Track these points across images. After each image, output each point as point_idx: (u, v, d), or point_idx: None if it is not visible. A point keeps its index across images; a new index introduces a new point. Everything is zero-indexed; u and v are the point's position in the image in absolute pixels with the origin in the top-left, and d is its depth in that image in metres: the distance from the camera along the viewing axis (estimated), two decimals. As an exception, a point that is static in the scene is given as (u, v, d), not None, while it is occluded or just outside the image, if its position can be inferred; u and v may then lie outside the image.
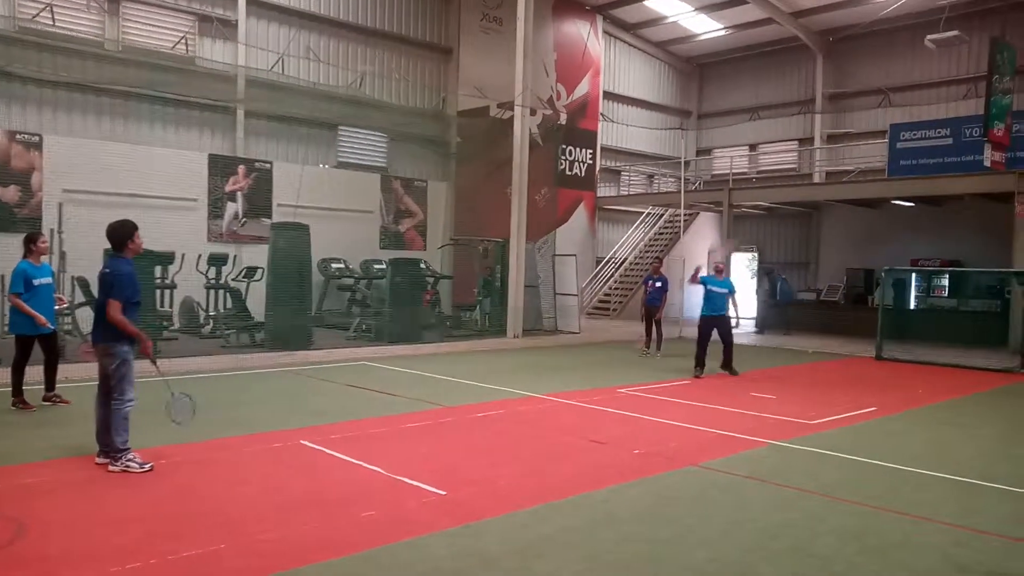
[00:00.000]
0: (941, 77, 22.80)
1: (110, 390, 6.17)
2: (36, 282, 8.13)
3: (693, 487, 6.04)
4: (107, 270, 6.18)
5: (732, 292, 12.31)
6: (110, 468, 6.00)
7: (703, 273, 12.68)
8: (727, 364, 12.32)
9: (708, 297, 12.14)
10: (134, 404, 6.20)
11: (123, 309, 6.05)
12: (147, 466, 6.01)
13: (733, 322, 12.40)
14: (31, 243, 8.29)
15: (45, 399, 8.43)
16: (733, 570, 4.42)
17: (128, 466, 5.97)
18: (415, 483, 5.85)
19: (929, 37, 17.81)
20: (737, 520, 5.25)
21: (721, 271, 12.54)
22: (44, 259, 8.52)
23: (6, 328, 12.43)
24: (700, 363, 12.13)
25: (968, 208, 19.46)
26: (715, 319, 12.16)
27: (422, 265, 17.49)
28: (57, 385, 8.58)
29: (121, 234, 6.24)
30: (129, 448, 6.06)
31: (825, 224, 24.11)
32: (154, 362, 6.52)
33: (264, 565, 4.26)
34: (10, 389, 8.23)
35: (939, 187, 18.28)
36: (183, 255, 14.27)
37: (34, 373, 8.47)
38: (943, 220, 20.44)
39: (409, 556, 4.45)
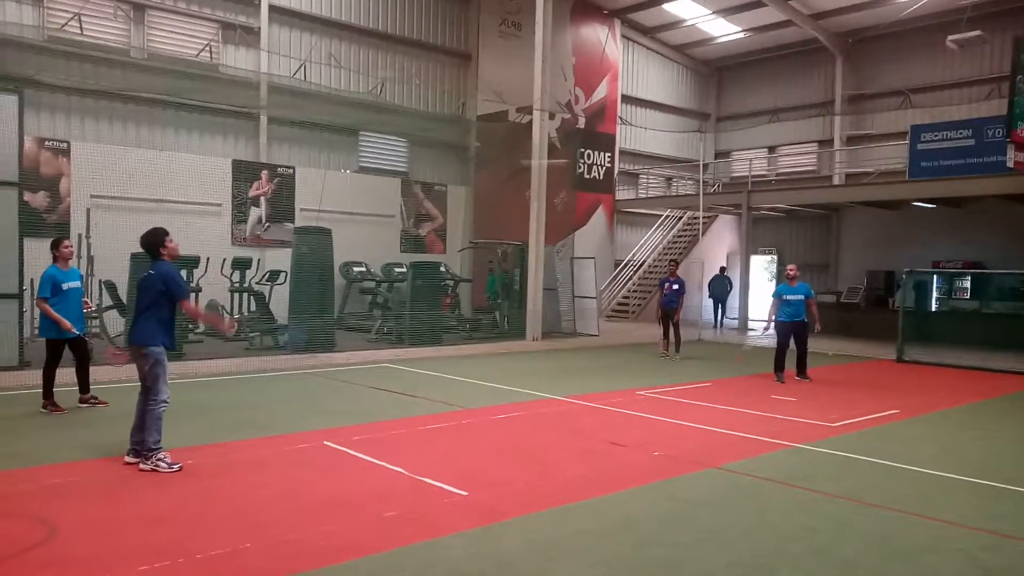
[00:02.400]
0: (963, 78, 22.57)
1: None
2: (65, 286, 8.30)
3: (713, 490, 6.05)
4: (152, 272, 6.35)
5: (809, 296, 12.11)
6: (141, 467, 6.14)
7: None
8: (801, 369, 12.22)
9: (785, 304, 12.02)
10: (168, 404, 6.34)
11: (166, 306, 6.31)
12: (176, 466, 6.14)
13: (816, 328, 12.15)
14: (55, 248, 8.49)
15: (82, 401, 8.60)
16: (753, 574, 4.43)
17: (158, 465, 6.11)
18: (437, 484, 5.93)
19: (951, 37, 17.66)
20: (757, 524, 5.26)
21: (793, 277, 12.21)
22: (72, 263, 8.69)
23: (36, 331, 12.73)
24: (780, 367, 12.09)
25: (990, 210, 19.26)
26: (792, 325, 12.01)
27: (442, 268, 17.60)
28: (91, 386, 8.74)
29: (152, 242, 6.42)
30: (160, 447, 6.20)
31: (845, 226, 23.93)
32: (233, 326, 6.87)
33: (287, 566, 4.34)
34: (40, 391, 8.40)
35: (961, 189, 18.09)
36: (208, 259, 14.49)
37: (68, 376, 8.65)
38: (965, 222, 20.22)
39: (429, 557, 4.51)
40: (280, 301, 14.81)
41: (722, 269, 23.38)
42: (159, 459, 6.14)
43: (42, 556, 4.40)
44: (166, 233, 6.49)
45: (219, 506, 5.37)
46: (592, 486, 6.06)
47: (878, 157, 23.04)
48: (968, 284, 20.38)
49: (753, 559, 4.63)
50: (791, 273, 12.27)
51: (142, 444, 6.20)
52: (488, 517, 5.24)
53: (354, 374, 11.76)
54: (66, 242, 8.64)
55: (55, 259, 8.44)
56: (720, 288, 22.78)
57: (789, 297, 12.08)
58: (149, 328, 6.25)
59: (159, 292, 6.28)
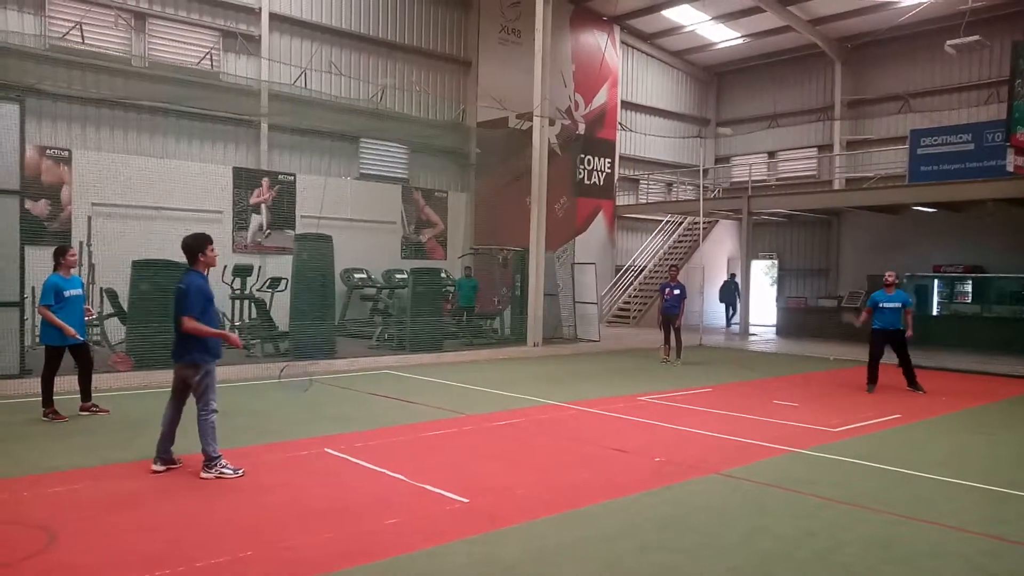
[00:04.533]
0: (962, 82, 22.61)
1: (183, 400, 6.40)
2: (67, 294, 8.32)
3: (715, 495, 6.05)
4: (180, 285, 6.31)
5: (907, 305, 11.59)
6: (203, 475, 6.16)
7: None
8: (911, 382, 11.64)
9: (881, 312, 11.55)
10: (217, 413, 6.36)
11: (200, 319, 6.22)
12: (240, 471, 6.20)
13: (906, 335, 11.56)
14: (60, 256, 8.51)
15: (83, 409, 8.60)
16: (754, 578, 4.42)
17: (223, 473, 6.16)
18: (438, 491, 5.92)
19: (949, 42, 17.68)
20: (759, 529, 5.26)
21: (891, 284, 11.59)
22: (73, 271, 8.72)
23: (37, 339, 12.74)
24: (872, 379, 11.67)
25: (990, 214, 19.27)
26: (887, 333, 11.51)
27: (443, 275, 17.60)
28: (92, 394, 8.75)
29: (194, 248, 6.36)
30: (220, 455, 6.23)
31: (845, 230, 23.95)
32: (245, 347, 6.67)
33: (289, 573, 4.34)
34: (40, 399, 8.40)
35: (960, 193, 18.11)
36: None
37: (68, 383, 8.66)
38: (965, 226, 20.23)
39: (430, 564, 4.51)
40: (281, 308, 14.81)
41: (732, 276, 24.23)
42: (223, 466, 6.19)
43: (41, 564, 4.40)
44: (209, 241, 6.42)
45: (220, 513, 5.37)
46: (594, 492, 6.05)
47: (878, 162, 23.08)
48: (969, 288, 20.38)
49: (754, 564, 4.63)
50: (889, 280, 11.68)
51: (204, 454, 6.22)
52: (489, 524, 5.23)
53: (355, 380, 11.76)
54: (71, 251, 8.69)
55: (57, 267, 8.46)
56: (729, 293, 24.12)
57: (886, 305, 11.52)
58: (190, 343, 6.26)
59: None
